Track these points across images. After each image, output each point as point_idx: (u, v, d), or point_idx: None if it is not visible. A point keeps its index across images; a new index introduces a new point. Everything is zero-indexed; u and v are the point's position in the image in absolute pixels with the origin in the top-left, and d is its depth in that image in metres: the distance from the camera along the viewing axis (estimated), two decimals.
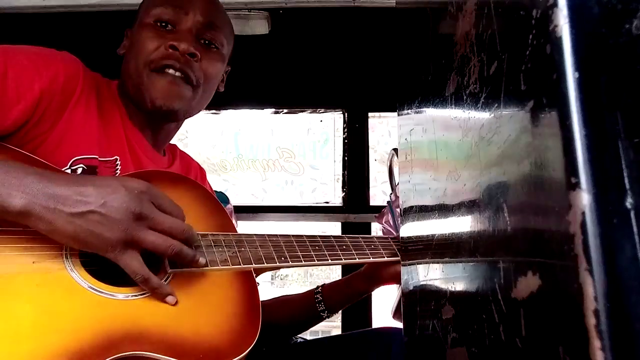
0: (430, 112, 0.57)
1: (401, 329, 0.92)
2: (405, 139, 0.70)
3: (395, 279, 0.94)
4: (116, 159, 0.84)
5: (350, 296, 1.01)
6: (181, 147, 1.11)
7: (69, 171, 0.77)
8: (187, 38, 0.86)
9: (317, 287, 1.03)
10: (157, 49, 0.85)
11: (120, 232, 0.61)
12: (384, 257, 0.91)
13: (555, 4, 0.29)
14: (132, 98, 0.88)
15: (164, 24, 0.87)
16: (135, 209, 0.62)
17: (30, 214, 0.59)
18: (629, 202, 0.26)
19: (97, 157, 0.81)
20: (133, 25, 0.94)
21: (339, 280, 1.05)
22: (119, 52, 0.95)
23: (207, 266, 0.71)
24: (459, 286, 0.46)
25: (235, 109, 1.97)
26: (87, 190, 0.62)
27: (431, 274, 0.57)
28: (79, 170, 0.79)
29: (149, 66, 0.85)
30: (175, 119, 0.92)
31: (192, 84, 0.87)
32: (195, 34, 0.88)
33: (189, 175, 1.03)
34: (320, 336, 1.15)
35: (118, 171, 0.84)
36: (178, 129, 0.99)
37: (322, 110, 1.98)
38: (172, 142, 1.03)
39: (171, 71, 0.85)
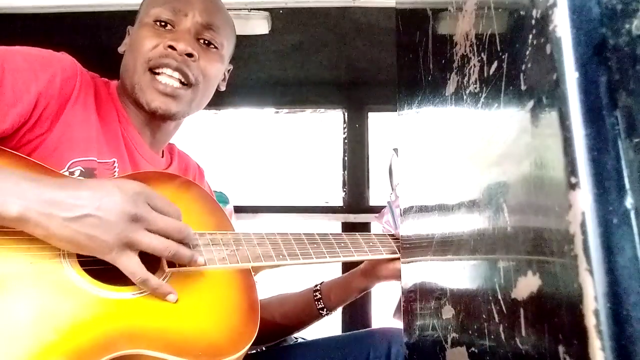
0: (430, 112, 0.57)
1: (400, 329, 0.92)
2: (405, 139, 0.70)
3: (394, 275, 0.94)
4: (114, 161, 0.84)
5: (350, 294, 1.01)
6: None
7: (66, 173, 0.77)
8: (185, 38, 0.86)
9: (316, 285, 1.03)
10: (155, 47, 0.85)
11: (117, 235, 0.61)
12: (383, 254, 0.91)
13: (555, 4, 0.29)
14: (130, 97, 0.89)
15: (163, 24, 0.88)
16: (131, 210, 0.62)
17: (27, 220, 0.59)
18: (629, 202, 0.26)
19: (95, 159, 0.81)
20: (134, 24, 0.95)
21: (338, 278, 1.04)
22: (119, 51, 0.95)
23: (206, 265, 0.71)
24: (459, 286, 0.46)
25: (235, 108, 1.97)
26: (82, 193, 0.62)
27: (431, 274, 0.57)
28: (77, 173, 0.78)
29: (147, 64, 0.85)
30: (173, 119, 0.92)
31: (189, 83, 0.87)
32: (194, 35, 0.89)
33: (187, 175, 1.03)
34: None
35: (116, 173, 0.84)
36: (177, 128, 0.99)
37: (322, 110, 1.97)
38: (171, 141, 1.03)
39: (168, 71, 0.85)
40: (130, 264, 0.63)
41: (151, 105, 0.85)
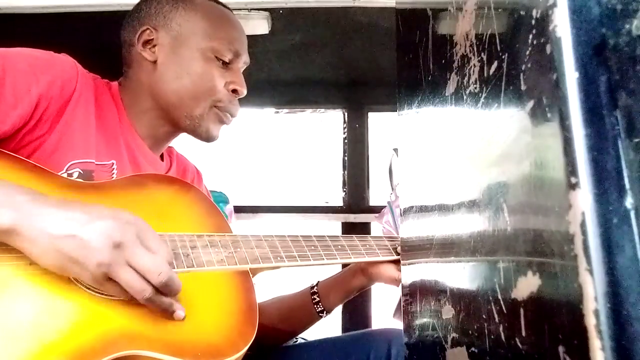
0: (430, 112, 0.57)
1: (400, 329, 0.92)
2: (405, 139, 0.70)
3: (391, 280, 0.94)
4: (113, 163, 0.84)
5: (349, 293, 1.00)
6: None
7: (65, 175, 0.77)
8: (243, 81, 0.95)
9: (312, 287, 1.02)
10: (221, 88, 0.92)
11: (97, 264, 0.59)
12: (379, 256, 0.91)
13: (555, 4, 0.29)
14: (172, 115, 0.92)
15: (222, 61, 0.93)
16: (116, 237, 0.60)
17: (17, 233, 0.58)
18: (629, 202, 0.26)
19: (93, 161, 0.81)
20: (158, 28, 0.91)
21: (334, 277, 1.03)
22: (150, 59, 0.91)
23: (184, 319, 0.66)
24: (459, 286, 0.46)
25: None
26: (74, 214, 0.60)
27: (431, 274, 0.57)
28: (75, 174, 0.78)
29: (213, 103, 0.92)
30: None
31: None
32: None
33: (186, 178, 1.03)
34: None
35: (114, 175, 0.84)
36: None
37: (322, 110, 1.97)
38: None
39: (228, 113, 0.95)
40: (114, 290, 0.62)
41: (212, 134, 0.94)
